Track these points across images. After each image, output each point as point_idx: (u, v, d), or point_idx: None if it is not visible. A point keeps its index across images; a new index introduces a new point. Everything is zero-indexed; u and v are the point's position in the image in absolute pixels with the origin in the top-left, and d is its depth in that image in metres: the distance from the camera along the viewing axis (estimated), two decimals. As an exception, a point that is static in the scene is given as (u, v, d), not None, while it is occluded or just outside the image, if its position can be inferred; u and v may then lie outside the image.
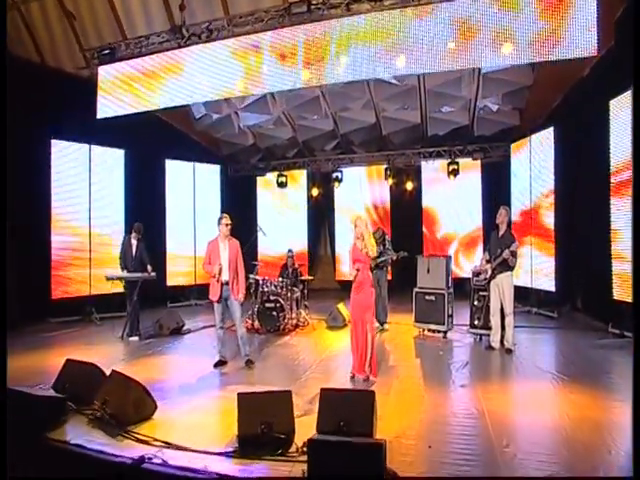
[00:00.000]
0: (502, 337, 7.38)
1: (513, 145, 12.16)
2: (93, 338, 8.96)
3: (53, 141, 10.55)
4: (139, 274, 8.97)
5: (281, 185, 14.72)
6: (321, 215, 15.45)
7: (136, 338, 8.80)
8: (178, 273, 13.16)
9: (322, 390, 4.20)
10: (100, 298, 10.82)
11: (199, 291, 12.92)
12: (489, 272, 7.41)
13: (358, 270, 6.04)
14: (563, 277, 9.85)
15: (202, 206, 13.64)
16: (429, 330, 8.55)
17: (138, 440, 4.35)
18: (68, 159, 10.85)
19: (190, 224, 13.40)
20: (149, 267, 9.01)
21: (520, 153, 11.77)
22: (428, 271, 8.46)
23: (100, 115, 10.38)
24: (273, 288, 9.41)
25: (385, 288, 9.31)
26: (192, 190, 13.60)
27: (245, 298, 7.02)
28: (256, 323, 9.34)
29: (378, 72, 8.27)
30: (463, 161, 13.20)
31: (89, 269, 11.06)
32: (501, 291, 7.29)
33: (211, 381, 6.31)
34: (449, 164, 13.02)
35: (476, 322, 8.04)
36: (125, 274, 9.02)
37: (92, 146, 11.27)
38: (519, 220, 11.56)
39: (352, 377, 6.10)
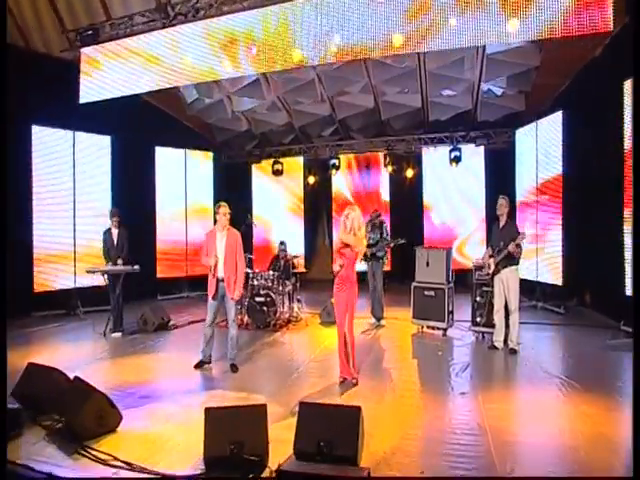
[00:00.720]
0: (506, 336, 6.84)
1: (518, 131, 11.57)
2: (74, 334, 8.53)
3: (34, 127, 10.01)
4: (121, 267, 8.54)
5: (276, 173, 14.17)
6: (318, 203, 14.92)
7: (119, 334, 8.37)
8: (169, 265, 12.67)
9: (301, 404, 3.71)
10: (86, 291, 10.36)
11: (191, 283, 12.51)
12: (492, 267, 6.87)
13: (342, 266, 5.51)
14: (571, 270, 9.29)
15: (194, 195, 13.16)
16: (428, 327, 8.05)
17: (95, 459, 3.87)
18: (50, 146, 10.31)
19: (181, 214, 12.90)
20: (121, 258, 8.58)
21: (525, 139, 11.19)
22: (427, 264, 7.92)
23: (83, 100, 9.86)
24: (263, 282, 8.90)
25: (380, 281, 8.79)
26: (183, 178, 13.09)
27: (242, 296, 6.42)
28: (246, 318, 8.85)
29: (374, 52, 7.68)
30: (466, 148, 12.64)
31: (74, 261, 10.58)
32: (506, 287, 6.75)
33: (190, 385, 5.77)
34: (451, 151, 12.47)
35: (478, 319, 7.50)
36: (107, 267, 8.61)
37: (76, 132, 10.74)
38: (524, 209, 11.02)
39: (342, 381, 5.60)
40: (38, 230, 10.03)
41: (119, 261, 8.57)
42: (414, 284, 8.07)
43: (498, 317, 6.88)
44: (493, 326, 7.00)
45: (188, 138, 13.35)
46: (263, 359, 6.93)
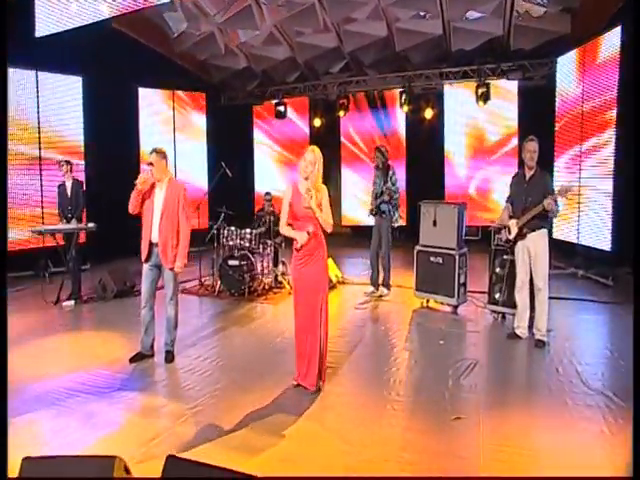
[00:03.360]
0: (531, 320, 5.20)
1: (560, 59, 9.54)
2: (26, 302, 7.34)
3: (-15, 66, 8.61)
4: (74, 225, 7.37)
5: (279, 115, 12.58)
6: (325, 148, 13.32)
7: (71, 303, 7.20)
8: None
9: (168, 459, 2.25)
10: (57, 250, 9.19)
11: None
12: (514, 230, 5.17)
13: (310, 233, 3.94)
14: (622, 230, 7.48)
15: (184, 143, 11.83)
16: (436, 301, 6.49)
17: None
18: (9, 88, 8.91)
19: (169, 164, 11.52)
20: (75, 217, 7.47)
21: (569, 69, 9.21)
22: (434, 223, 6.27)
23: (39, 33, 8.35)
24: (240, 241, 7.43)
25: (387, 242, 7.10)
26: (171, 123, 11.66)
27: (185, 266, 4.94)
28: (218, 285, 7.49)
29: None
30: (496, 83, 10.87)
31: (42, 219, 9.38)
32: (533, 256, 5.05)
33: (100, 382, 4.37)
34: (478, 87, 10.69)
35: (497, 296, 5.86)
36: (58, 226, 7.50)
37: (39, 72, 9.33)
38: (565, 155, 9.16)
39: (296, 385, 4.13)
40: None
41: (73, 220, 7.46)
42: (418, 248, 6.48)
43: (521, 296, 5.21)
44: (515, 306, 5.35)
45: (177, 78, 11.86)
46: (221, 341, 5.56)
